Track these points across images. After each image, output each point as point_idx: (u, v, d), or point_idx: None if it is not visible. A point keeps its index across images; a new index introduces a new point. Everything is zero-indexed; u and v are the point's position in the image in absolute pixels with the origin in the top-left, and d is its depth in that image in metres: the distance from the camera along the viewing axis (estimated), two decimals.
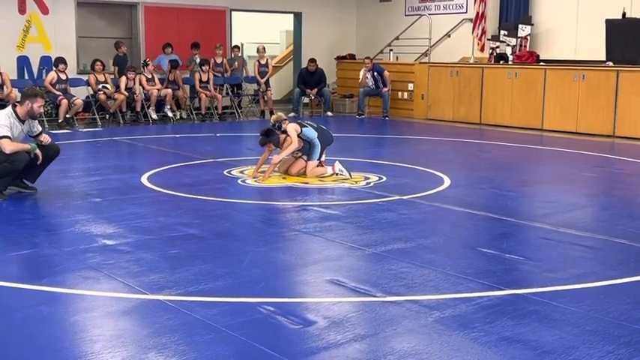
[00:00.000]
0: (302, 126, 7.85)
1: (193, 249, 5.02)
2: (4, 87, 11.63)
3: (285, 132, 7.77)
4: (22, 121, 6.55)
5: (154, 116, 13.16)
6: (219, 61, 14.50)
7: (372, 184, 7.45)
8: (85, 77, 13.01)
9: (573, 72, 12.10)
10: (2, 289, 4.18)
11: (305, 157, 7.85)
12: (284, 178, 7.72)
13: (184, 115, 13.97)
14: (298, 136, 7.76)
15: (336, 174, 7.74)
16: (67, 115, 12.28)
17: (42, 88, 12.33)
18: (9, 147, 6.36)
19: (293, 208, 6.51)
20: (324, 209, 6.30)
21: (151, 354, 3.28)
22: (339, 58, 16.48)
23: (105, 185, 7.29)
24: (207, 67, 13.81)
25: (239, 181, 7.54)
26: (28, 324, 3.65)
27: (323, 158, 7.93)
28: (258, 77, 14.75)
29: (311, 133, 7.85)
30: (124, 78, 12.96)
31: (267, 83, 14.84)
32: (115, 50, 13.83)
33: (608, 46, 11.93)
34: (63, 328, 3.63)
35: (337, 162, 7.84)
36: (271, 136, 7.73)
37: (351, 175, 7.64)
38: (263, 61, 14.89)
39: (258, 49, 15.04)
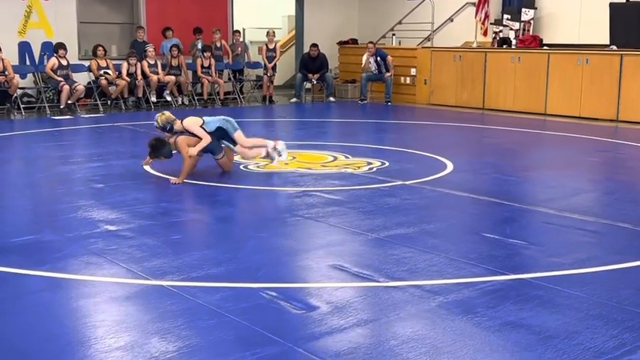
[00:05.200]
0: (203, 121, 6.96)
1: (196, 234, 5.02)
2: (6, 72, 11.62)
3: (175, 133, 6.91)
4: None
5: (153, 99, 13.14)
6: (218, 44, 14.45)
7: (374, 169, 7.43)
8: (86, 63, 12.99)
9: (577, 56, 12.04)
10: (5, 275, 4.18)
11: (229, 145, 7.14)
12: (286, 164, 7.69)
13: (186, 101, 13.94)
14: (201, 127, 6.90)
15: (270, 152, 7.20)
16: (69, 101, 12.25)
17: (44, 73, 12.37)
18: None
19: (295, 193, 6.49)
20: (326, 195, 6.29)
21: (154, 339, 3.28)
22: (342, 43, 16.41)
23: (107, 171, 7.29)
24: (209, 54, 13.76)
25: (241, 167, 7.53)
26: (31, 310, 3.65)
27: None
28: (266, 62, 14.67)
29: (213, 122, 6.96)
30: (125, 64, 12.93)
31: (273, 68, 14.78)
32: (133, 35, 13.97)
33: (612, 30, 11.87)
34: (66, 313, 3.63)
35: (281, 142, 7.36)
36: (161, 150, 6.81)
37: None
38: (271, 46, 14.81)
39: (268, 33, 14.93)
